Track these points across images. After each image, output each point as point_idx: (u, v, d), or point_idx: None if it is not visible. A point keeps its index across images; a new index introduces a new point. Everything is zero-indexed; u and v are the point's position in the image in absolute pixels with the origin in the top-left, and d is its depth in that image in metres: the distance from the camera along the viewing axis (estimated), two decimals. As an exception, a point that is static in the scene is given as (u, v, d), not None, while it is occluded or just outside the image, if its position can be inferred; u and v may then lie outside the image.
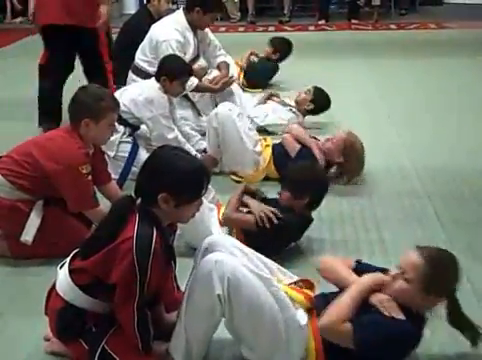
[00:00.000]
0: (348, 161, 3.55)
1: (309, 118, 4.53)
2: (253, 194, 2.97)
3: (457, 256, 2.03)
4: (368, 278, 2.05)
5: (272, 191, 3.42)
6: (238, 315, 1.98)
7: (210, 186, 2.46)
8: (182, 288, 2.23)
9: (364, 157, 3.59)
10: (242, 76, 5.48)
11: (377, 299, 1.99)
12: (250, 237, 2.74)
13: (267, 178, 3.67)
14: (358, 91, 5.48)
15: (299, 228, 2.84)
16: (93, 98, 2.79)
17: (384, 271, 2.10)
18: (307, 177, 2.82)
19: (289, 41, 5.61)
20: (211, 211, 2.92)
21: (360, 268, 2.17)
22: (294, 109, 4.47)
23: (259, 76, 5.53)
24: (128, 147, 3.69)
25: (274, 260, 2.32)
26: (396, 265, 2.04)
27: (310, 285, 2.26)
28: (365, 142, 3.62)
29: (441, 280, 1.97)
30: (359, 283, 2.03)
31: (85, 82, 4.32)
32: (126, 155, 3.66)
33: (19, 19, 9.39)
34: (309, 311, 2.09)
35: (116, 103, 2.88)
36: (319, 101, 4.41)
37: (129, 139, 3.70)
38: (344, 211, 3.31)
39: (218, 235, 2.32)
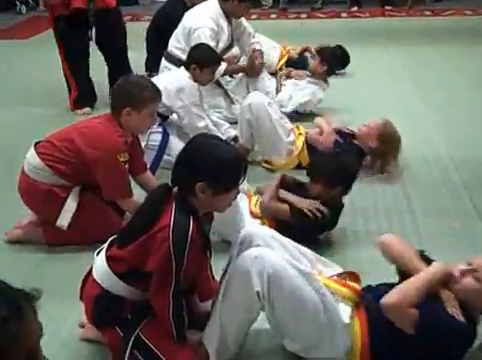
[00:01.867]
0: (383, 146, 3.48)
1: (343, 108, 4.47)
2: (289, 184, 2.93)
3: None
4: (439, 267, 2.00)
5: (304, 179, 3.40)
6: (280, 310, 1.96)
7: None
8: (216, 278, 2.23)
9: (400, 144, 3.52)
10: (283, 61, 5.33)
11: (446, 295, 1.96)
12: (283, 228, 2.68)
13: (300, 165, 3.63)
14: (392, 79, 5.39)
15: (333, 217, 2.82)
16: (136, 87, 2.79)
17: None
18: (335, 168, 2.78)
19: (343, 52, 5.28)
20: (241, 201, 2.89)
21: (425, 257, 2.10)
22: (313, 80, 4.40)
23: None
24: (159, 137, 3.68)
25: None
26: (467, 261, 1.99)
27: (355, 277, 2.22)
28: (401, 131, 3.56)
29: None
30: (429, 271, 1.98)
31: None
32: (157, 144, 3.66)
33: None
34: (356, 304, 2.06)
35: (158, 93, 2.88)
36: (328, 58, 4.31)
37: (159, 129, 3.70)
38: (379, 202, 3.27)
39: (255, 226, 2.29)
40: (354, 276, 2.23)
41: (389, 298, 1.91)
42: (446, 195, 3.30)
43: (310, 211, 2.72)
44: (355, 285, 2.15)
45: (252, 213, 2.85)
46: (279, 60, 5.36)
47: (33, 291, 1.18)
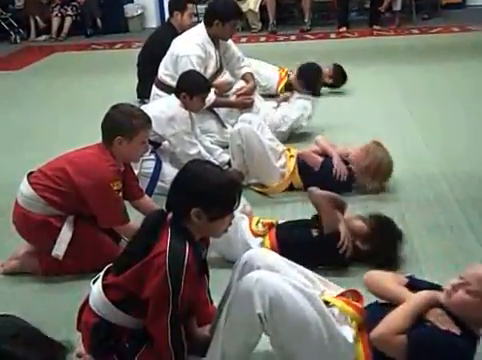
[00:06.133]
0: (373, 164, 3.50)
1: (334, 126, 4.50)
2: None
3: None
4: (425, 294, 2.01)
5: (297, 201, 3.42)
6: (283, 332, 1.96)
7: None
8: (215, 301, 2.23)
9: (391, 163, 3.54)
10: (283, 84, 5.42)
11: (433, 314, 1.96)
12: (286, 251, 2.70)
13: (292, 187, 3.66)
14: (382, 98, 5.44)
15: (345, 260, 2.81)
16: (126, 116, 2.82)
17: (438, 288, 2.06)
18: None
19: (346, 75, 5.58)
20: (242, 220, 2.92)
21: (414, 284, 2.13)
22: (300, 95, 4.43)
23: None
24: (152, 164, 3.70)
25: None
26: (458, 276, 1.99)
27: (358, 296, 2.22)
28: (391, 149, 3.59)
29: None
30: (415, 298, 2.00)
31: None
32: (150, 171, 3.67)
33: (43, 37, 9.52)
34: (359, 325, 2.06)
35: (148, 120, 2.91)
36: (303, 76, 4.42)
37: (152, 156, 3.72)
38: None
39: (256, 250, 2.30)
40: (356, 294, 2.23)
41: (376, 331, 1.93)
42: (439, 211, 3.32)
43: (345, 244, 2.72)
44: (358, 304, 2.15)
45: (253, 232, 2.89)
46: (279, 83, 5.43)
47: (64, 342, 1.18)
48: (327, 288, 2.24)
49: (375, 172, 3.52)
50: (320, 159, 3.64)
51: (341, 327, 2.02)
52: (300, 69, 4.48)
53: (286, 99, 4.59)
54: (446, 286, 2.00)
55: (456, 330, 1.91)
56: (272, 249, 2.78)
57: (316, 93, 4.50)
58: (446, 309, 1.97)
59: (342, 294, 2.21)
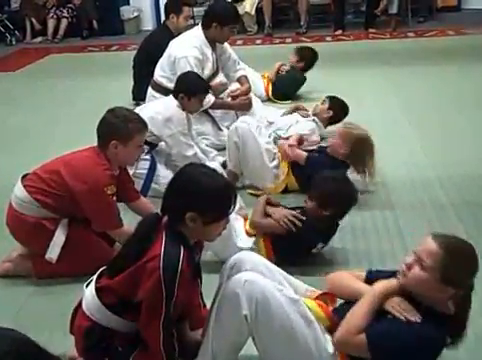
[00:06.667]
0: (355, 148, 3.48)
1: (330, 130, 4.50)
2: (275, 205, 2.99)
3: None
4: (379, 285, 1.99)
5: (293, 203, 3.41)
6: (268, 335, 1.96)
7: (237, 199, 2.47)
8: (208, 303, 2.22)
9: (370, 141, 3.51)
10: (270, 89, 5.47)
11: (390, 304, 1.93)
12: (278, 243, 2.83)
13: (287, 190, 3.66)
14: (378, 101, 5.45)
15: (325, 229, 2.85)
16: (122, 120, 2.81)
17: (396, 273, 2.02)
18: (333, 189, 2.82)
19: (314, 50, 5.61)
20: (236, 221, 2.93)
21: (371, 277, 2.11)
22: (316, 119, 4.45)
23: (287, 87, 5.50)
24: (146, 164, 3.69)
25: (298, 270, 2.33)
26: (411, 252, 1.95)
27: (332, 299, 2.22)
28: (386, 151, 3.60)
29: (460, 269, 1.88)
30: (370, 292, 1.98)
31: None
32: (145, 172, 3.67)
33: (38, 39, 9.51)
34: (327, 327, 2.05)
35: (144, 125, 2.90)
36: (336, 109, 4.36)
37: (147, 157, 3.71)
38: (367, 222, 3.29)
39: (245, 252, 2.31)
40: (331, 297, 2.21)
41: (336, 334, 1.93)
42: (434, 215, 3.32)
43: (284, 223, 2.79)
44: (329, 307, 2.14)
45: (247, 232, 2.92)
46: (266, 89, 5.47)
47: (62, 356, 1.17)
48: (309, 293, 2.23)
49: (361, 152, 3.50)
50: (304, 154, 3.63)
51: (325, 335, 2.01)
52: (333, 105, 4.32)
53: (296, 109, 4.57)
54: (401, 266, 1.96)
55: (417, 317, 1.87)
56: (266, 248, 2.85)
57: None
58: (405, 292, 1.93)
59: (317, 297, 2.20)
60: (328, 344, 2.00)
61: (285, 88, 5.49)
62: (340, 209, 2.85)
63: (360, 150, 3.50)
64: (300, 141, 3.85)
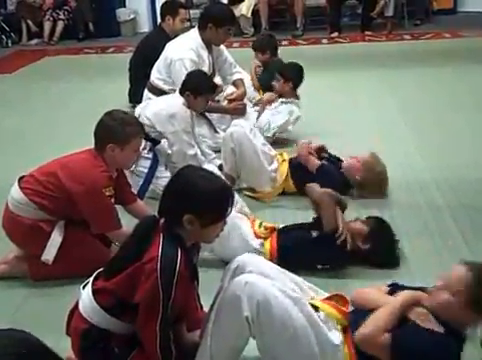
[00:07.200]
0: (369, 181, 3.51)
1: (327, 133, 4.50)
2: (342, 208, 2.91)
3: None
4: (407, 293, 2.04)
5: (290, 205, 3.42)
6: (271, 337, 1.96)
7: (237, 197, 2.47)
8: (206, 303, 2.22)
9: (386, 179, 3.56)
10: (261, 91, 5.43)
11: (415, 313, 1.97)
12: (285, 252, 2.79)
13: (283, 192, 3.66)
14: (374, 102, 5.46)
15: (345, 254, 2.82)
16: (118, 123, 2.81)
17: (422, 290, 2.08)
18: (387, 237, 2.87)
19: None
20: (242, 220, 2.93)
21: (396, 289, 2.15)
22: (285, 99, 4.42)
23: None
24: (148, 163, 3.67)
25: (301, 272, 2.33)
26: (441, 278, 2.00)
27: (344, 301, 2.23)
28: (383, 154, 3.60)
29: None
30: (398, 298, 2.02)
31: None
32: (145, 170, 3.64)
33: (34, 41, 9.50)
34: (344, 328, 2.07)
35: (141, 129, 2.91)
36: (291, 76, 4.38)
37: (149, 155, 3.70)
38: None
39: (248, 254, 2.30)
40: (342, 299, 2.24)
41: (360, 331, 1.94)
42: (430, 218, 3.32)
43: (343, 234, 2.74)
44: (344, 308, 2.16)
45: (256, 233, 2.90)
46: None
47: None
48: (317, 295, 2.24)
49: (372, 187, 3.53)
50: (318, 162, 3.62)
51: (329, 332, 2.02)
52: (285, 72, 4.42)
53: (270, 102, 4.53)
54: (430, 289, 2.01)
55: (440, 329, 1.92)
56: (271, 252, 2.83)
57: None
58: (430, 310, 1.97)
59: (329, 298, 2.22)
60: (335, 338, 2.01)
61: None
62: (380, 250, 2.83)
63: (373, 185, 3.53)
64: (321, 150, 3.77)
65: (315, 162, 3.61)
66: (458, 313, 1.94)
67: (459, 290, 1.92)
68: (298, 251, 2.77)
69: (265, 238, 2.89)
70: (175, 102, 3.71)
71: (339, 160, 3.73)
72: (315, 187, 2.88)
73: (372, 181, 3.53)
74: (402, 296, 2.03)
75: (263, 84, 5.27)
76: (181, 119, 3.66)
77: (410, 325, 1.95)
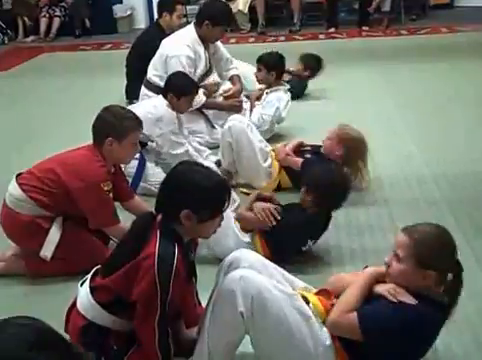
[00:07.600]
0: (349, 150, 3.47)
1: (320, 128, 4.49)
2: (268, 200, 2.96)
3: (480, 264, 2.00)
4: (370, 269, 2.04)
5: (285, 200, 3.41)
6: (265, 332, 1.96)
7: (234, 196, 2.47)
8: (204, 300, 2.22)
9: (365, 144, 3.51)
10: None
11: (383, 288, 1.96)
12: (269, 239, 2.82)
13: (280, 188, 3.65)
14: (372, 97, 5.45)
15: (311, 223, 2.83)
16: (117, 118, 2.81)
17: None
18: (328, 180, 2.83)
19: (319, 58, 5.53)
20: (232, 217, 2.92)
21: None
22: (270, 89, 4.41)
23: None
24: (135, 163, 3.67)
25: (294, 268, 2.32)
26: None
27: (328, 295, 2.23)
28: (381, 149, 3.60)
29: (432, 249, 1.92)
30: (360, 276, 2.02)
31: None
32: (134, 171, 3.65)
33: (31, 38, 9.47)
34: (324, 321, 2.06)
35: (139, 123, 2.90)
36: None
37: (136, 155, 3.69)
38: (362, 219, 3.29)
39: (242, 250, 2.30)
40: (327, 293, 2.21)
41: (329, 317, 1.95)
42: (428, 212, 3.32)
43: (261, 215, 2.79)
44: (328, 302, 2.14)
45: (243, 228, 2.92)
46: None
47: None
48: (305, 290, 2.23)
49: (355, 155, 3.49)
50: (299, 159, 3.59)
51: (321, 327, 2.02)
52: (266, 63, 4.44)
53: (258, 98, 4.51)
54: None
55: (412, 299, 1.90)
56: (260, 244, 2.84)
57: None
58: (397, 284, 1.96)
59: (316, 293, 2.20)
60: (325, 337, 2.00)
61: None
62: (335, 200, 2.84)
63: (355, 152, 3.50)
64: (299, 146, 3.76)
65: (297, 161, 3.58)
66: (415, 278, 1.92)
67: (405, 256, 1.92)
68: (283, 235, 2.78)
69: (252, 232, 2.90)
70: (159, 105, 3.72)
71: (320, 147, 3.70)
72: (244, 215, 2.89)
73: (354, 148, 3.48)
74: (365, 273, 2.03)
75: None
76: (167, 121, 3.68)
77: (377, 301, 1.94)
